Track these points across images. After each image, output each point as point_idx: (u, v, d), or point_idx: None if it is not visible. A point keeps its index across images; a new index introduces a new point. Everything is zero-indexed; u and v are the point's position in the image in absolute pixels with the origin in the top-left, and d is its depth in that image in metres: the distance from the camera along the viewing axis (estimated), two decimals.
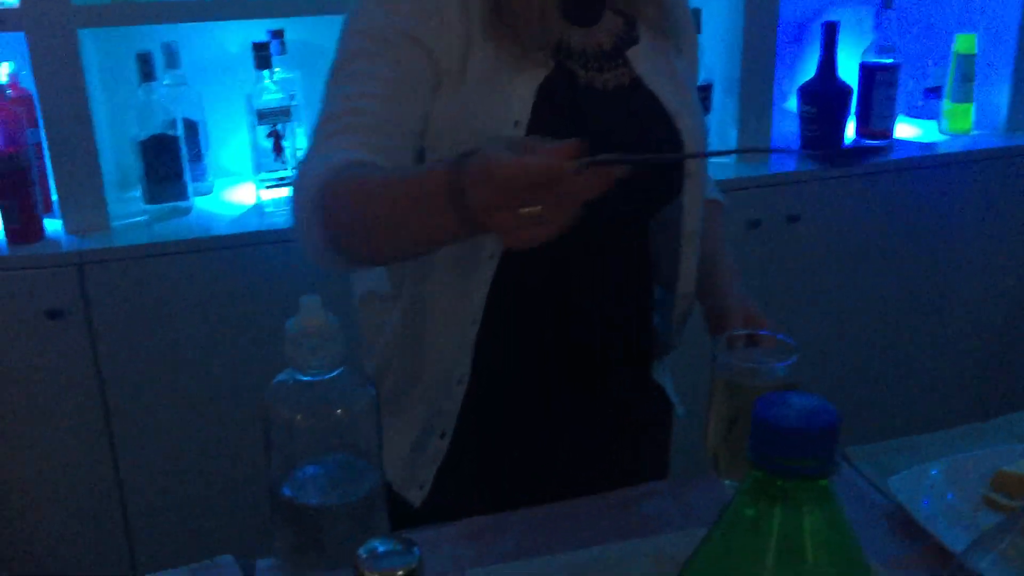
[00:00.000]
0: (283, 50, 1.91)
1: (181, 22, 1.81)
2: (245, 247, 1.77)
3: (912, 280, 2.21)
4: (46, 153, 1.76)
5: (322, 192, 0.85)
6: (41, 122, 1.73)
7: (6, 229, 1.73)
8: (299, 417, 0.65)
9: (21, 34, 1.67)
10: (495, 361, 1.02)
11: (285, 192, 1.85)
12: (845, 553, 0.44)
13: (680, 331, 1.11)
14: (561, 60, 0.97)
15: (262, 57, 1.78)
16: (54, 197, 1.81)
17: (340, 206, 0.85)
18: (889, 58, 2.17)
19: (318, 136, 0.93)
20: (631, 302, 1.06)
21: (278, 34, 1.90)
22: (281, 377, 0.67)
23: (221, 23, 1.95)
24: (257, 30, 1.93)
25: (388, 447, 1.04)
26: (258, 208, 1.87)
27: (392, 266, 1.04)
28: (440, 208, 0.74)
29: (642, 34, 1.03)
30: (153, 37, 1.88)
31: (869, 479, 0.98)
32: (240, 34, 1.97)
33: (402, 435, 1.06)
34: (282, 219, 1.83)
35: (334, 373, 0.65)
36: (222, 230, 1.79)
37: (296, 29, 1.99)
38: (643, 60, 1.02)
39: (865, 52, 2.19)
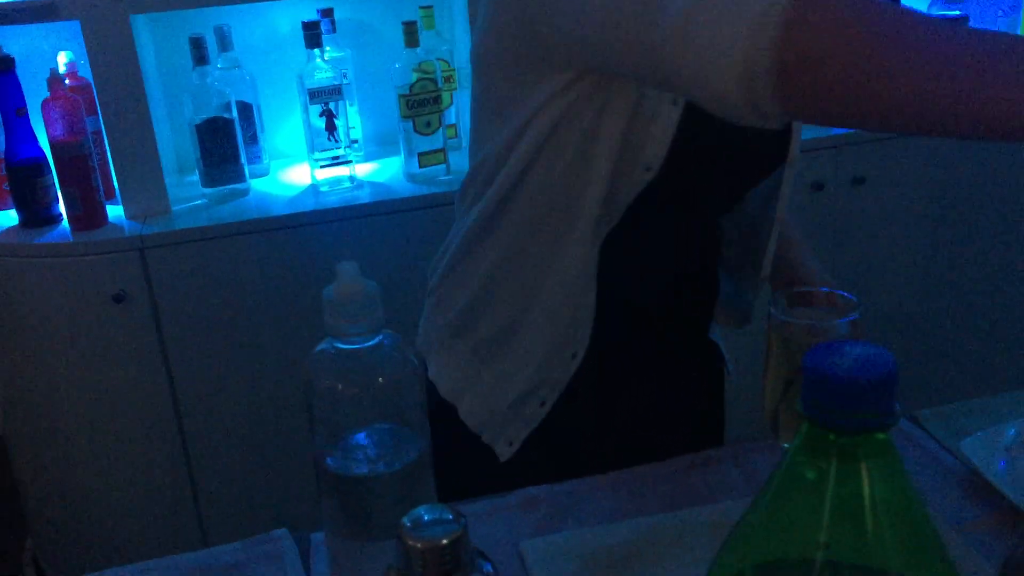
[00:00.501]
0: (333, 29, 1.91)
1: (232, 4, 1.82)
2: (301, 227, 1.78)
3: (981, 240, 2.12)
4: (105, 140, 1.79)
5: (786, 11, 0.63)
6: (99, 110, 1.76)
7: (69, 216, 1.76)
8: (340, 386, 0.64)
9: (77, 23, 1.69)
10: (609, 336, 1.00)
11: (339, 171, 1.86)
12: (908, 512, 0.41)
13: (753, 307, 1.10)
14: None
15: (312, 36, 1.78)
16: (115, 183, 1.84)
17: (838, 16, 0.62)
18: (956, 10, 2.08)
19: None
20: (706, 264, 1.06)
21: (328, 13, 1.90)
22: (322, 346, 0.66)
23: (271, 4, 1.96)
24: (307, 9, 1.93)
25: (480, 399, 1.04)
26: (313, 187, 1.88)
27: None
28: None
29: None
30: (205, 21, 1.90)
31: (941, 442, 0.94)
32: (290, 14, 1.98)
33: (499, 390, 1.03)
34: (337, 197, 1.83)
35: (374, 341, 0.63)
36: (279, 211, 1.80)
37: (345, 8, 1.99)
38: None
39: (931, 4, 2.11)
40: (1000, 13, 2.23)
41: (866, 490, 0.40)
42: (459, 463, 1.09)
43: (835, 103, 0.64)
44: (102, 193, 1.79)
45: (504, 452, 1.05)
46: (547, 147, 0.90)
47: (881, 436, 0.40)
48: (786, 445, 0.80)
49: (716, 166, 0.94)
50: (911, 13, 0.64)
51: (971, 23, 2.10)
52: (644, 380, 1.06)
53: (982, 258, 2.14)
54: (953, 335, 2.16)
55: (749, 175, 1.01)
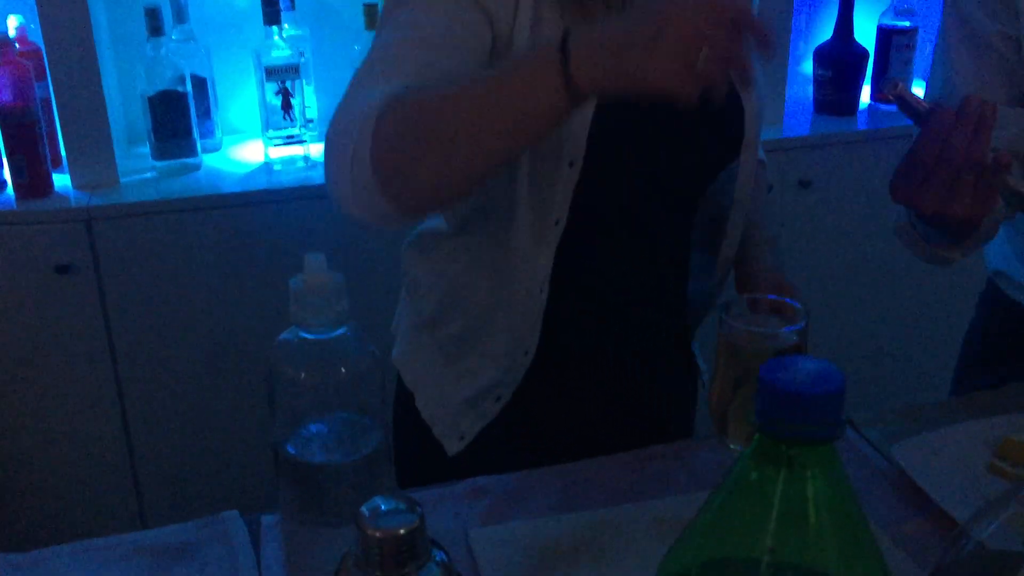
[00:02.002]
0: (292, 6, 1.89)
1: None
2: (253, 205, 1.77)
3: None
4: (54, 108, 1.75)
5: (375, 122, 0.77)
6: (49, 76, 1.72)
7: (15, 184, 1.73)
8: (303, 375, 0.65)
9: None
10: (560, 333, 1.03)
11: (293, 150, 1.85)
12: (848, 518, 0.44)
13: (718, 295, 1.12)
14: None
15: (271, 13, 1.76)
16: (63, 152, 1.80)
17: (407, 125, 0.77)
18: (907, 21, 2.13)
19: (358, 79, 0.86)
20: (672, 266, 1.07)
21: None
22: (285, 335, 0.66)
23: None
24: None
25: (438, 392, 1.07)
26: (267, 166, 1.87)
27: (450, 207, 0.99)
28: (546, 79, 0.71)
29: None
30: None
31: (875, 445, 0.98)
32: None
33: (455, 388, 1.07)
34: (290, 177, 1.82)
35: (338, 332, 0.65)
36: (230, 188, 1.78)
37: None
38: None
39: (883, 15, 2.16)
40: None
41: (812, 496, 0.43)
42: (414, 448, 1.11)
43: (432, 187, 0.79)
44: (49, 161, 1.76)
45: (453, 447, 1.07)
46: None
47: (827, 447, 0.43)
48: (732, 446, 0.83)
49: (647, 157, 0.96)
50: (439, 95, 0.78)
51: (921, 35, 2.16)
52: (598, 377, 1.08)
53: (921, 265, 2.20)
54: (890, 340, 2.23)
55: (696, 167, 1.01)
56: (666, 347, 1.12)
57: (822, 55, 2.12)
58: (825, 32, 2.20)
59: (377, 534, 0.56)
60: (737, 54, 0.68)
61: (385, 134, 0.76)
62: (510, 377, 1.03)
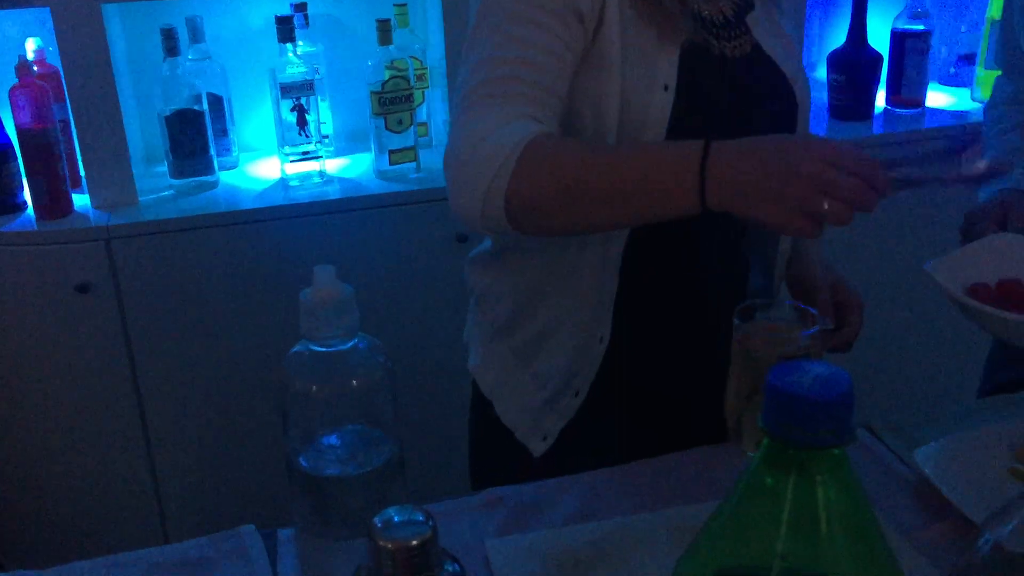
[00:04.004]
0: (307, 23, 1.91)
1: None
2: (270, 221, 1.78)
3: (944, 250, 2.16)
4: (73, 129, 1.77)
5: (515, 165, 0.84)
6: (68, 98, 1.74)
7: (35, 205, 1.75)
8: (314, 388, 0.65)
9: (47, 10, 1.68)
10: (633, 320, 1.05)
11: (309, 166, 1.86)
12: (860, 523, 0.43)
13: (776, 286, 1.15)
14: (696, 28, 0.98)
15: (285, 30, 1.78)
16: (82, 172, 1.82)
17: (546, 179, 0.85)
18: (921, 24, 2.12)
19: (476, 95, 0.90)
20: (735, 256, 1.09)
21: (301, 7, 1.90)
22: (297, 348, 0.67)
23: None
24: (280, 3, 1.93)
25: (517, 398, 1.10)
26: (283, 182, 1.88)
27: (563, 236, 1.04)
28: (681, 195, 0.80)
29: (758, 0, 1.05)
30: (177, 12, 1.89)
31: (895, 451, 0.97)
32: (263, 8, 1.97)
33: (534, 388, 1.09)
34: (306, 193, 1.83)
35: (349, 344, 0.65)
36: (247, 204, 1.79)
37: (319, 2, 1.99)
38: (760, 26, 1.03)
39: (896, 18, 2.15)
40: (963, 29, 2.29)
41: (821, 502, 0.42)
42: (497, 455, 1.13)
43: (556, 229, 0.91)
44: (68, 182, 1.78)
45: (538, 448, 1.09)
46: None
47: (837, 451, 0.42)
48: (748, 452, 0.82)
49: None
50: (584, 161, 0.86)
51: (935, 39, 2.15)
52: (674, 362, 1.08)
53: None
54: (911, 345, 2.21)
55: None
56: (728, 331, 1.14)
57: (836, 60, 2.11)
58: (839, 37, 2.19)
59: (389, 545, 0.56)
60: (861, 202, 0.77)
61: (523, 180, 0.85)
62: (587, 369, 1.05)
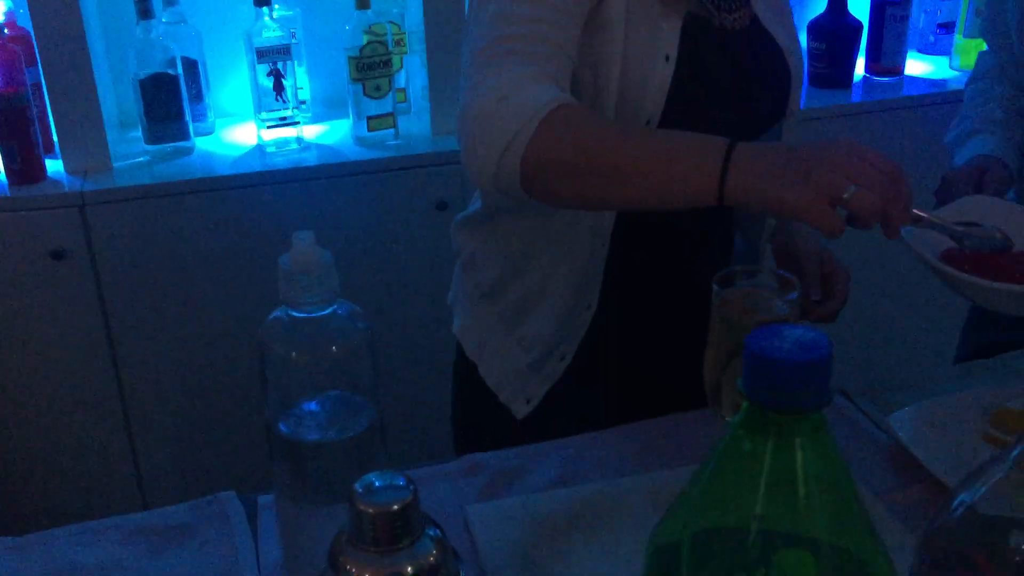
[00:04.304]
0: None
1: None
2: (247, 187, 1.76)
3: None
4: (45, 93, 1.75)
5: (537, 127, 0.83)
6: (40, 61, 1.71)
7: (7, 170, 1.72)
8: (294, 354, 0.65)
9: None
10: (621, 288, 1.05)
11: (286, 132, 1.84)
12: (837, 486, 0.44)
13: (763, 249, 1.16)
14: None
15: None
16: (55, 138, 1.79)
17: (566, 149, 0.84)
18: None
19: (492, 51, 0.88)
20: (721, 218, 1.10)
21: None
22: (276, 314, 0.66)
23: None
24: None
25: (501, 360, 1.10)
26: (259, 148, 1.86)
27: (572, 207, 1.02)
28: (702, 181, 0.78)
29: None
30: None
31: (871, 416, 0.98)
32: None
33: (520, 351, 1.09)
34: (284, 159, 1.82)
35: (328, 310, 0.64)
36: (223, 170, 1.78)
37: None
38: (760, 1, 1.04)
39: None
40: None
41: (800, 465, 0.43)
42: (480, 417, 1.14)
43: (565, 199, 0.89)
44: (41, 147, 1.75)
45: (521, 411, 1.10)
46: None
47: (815, 415, 0.43)
48: (726, 417, 0.83)
49: (713, 118, 0.97)
50: (606, 137, 0.85)
51: (914, 7, 2.15)
52: (661, 330, 1.09)
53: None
54: (889, 313, 2.23)
55: (750, 126, 1.04)
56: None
57: (816, 28, 2.11)
58: (819, 5, 2.18)
59: (370, 510, 0.56)
60: (890, 198, 0.75)
61: (543, 145, 0.83)
62: (573, 334, 1.06)
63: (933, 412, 0.95)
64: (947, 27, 2.28)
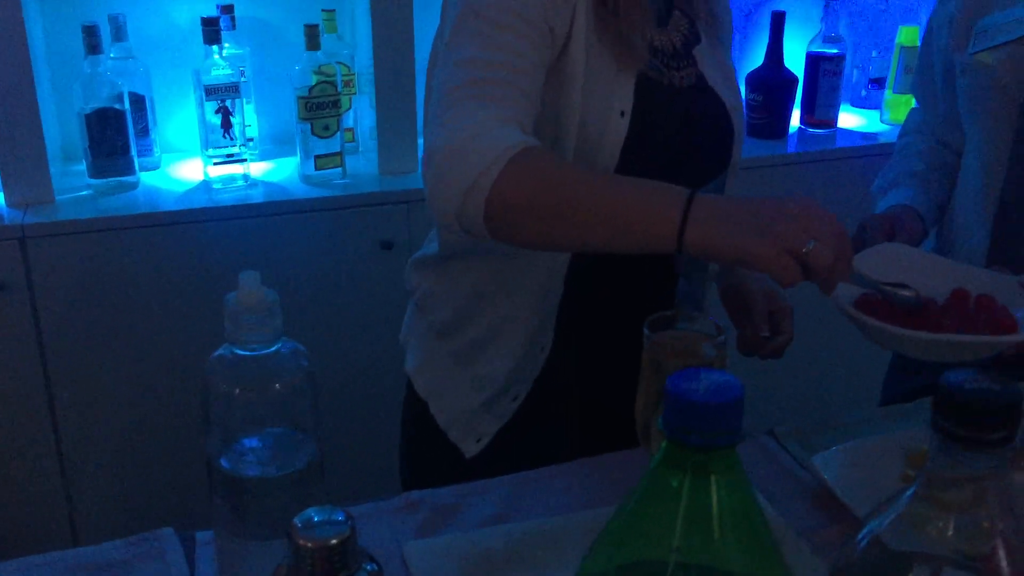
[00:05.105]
0: (233, 25, 1.91)
1: None
2: (191, 223, 1.76)
3: None
4: None
5: (503, 167, 0.85)
6: None
7: None
8: (237, 391, 0.66)
9: None
10: (574, 331, 1.08)
11: (233, 168, 1.85)
12: (749, 519, 0.47)
13: (702, 295, 1.20)
14: (650, 58, 1.02)
15: (211, 32, 1.77)
16: None
17: (532, 190, 0.85)
18: (835, 48, 2.21)
19: (461, 93, 0.90)
20: (664, 270, 1.13)
21: (228, 9, 1.89)
22: (220, 351, 0.68)
23: None
24: (207, 5, 1.91)
25: (454, 399, 1.11)
26: (205, 184, 1.87)
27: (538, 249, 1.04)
28: (662, 228, 0.81)
29: (702, 32, 1.10)
30: (99, 9, 1.86)
31: (795, 456, 1.02)
32: (189, 8, 1.96)
33: (473, 390, 1.11)
34: (230, 195, 1.82)
35: (272, 348, 0.66)
36: (168, 206, 1.78)
37: (246, 4, 1.98)
38: (705, 58, 1.09)
39: (811, 42, 2.24)
40: (874, 54, 2.39)
41: (715, 500, 0.46)
42: (429, 455, 1.15)
43: (526, 239, 0.90)
44: None
45: (471, 449, 1.11)
46: None
47: (729, 452, 0.46)
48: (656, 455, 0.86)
49: (662, 170, 1.01)
50: (569, 180, 0.87)
51: (847, 63, 2.24)
52: (609, 366, 1.11)
53: None
54: (814, 356, 2.29)
55: (695, 178, 1.07)
56: None
57: (754, 80, 2.19)
58: (756, 58, 2.27)
59: (309, 544, 0.57)
60: (839, 256, 0.79)
61: (509, 185, 0.85)
62: (526, 375, 1.08)
63: (855, 454, 0.99)
64: (879, 82, 2.38)
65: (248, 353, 0.66)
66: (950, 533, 0.49)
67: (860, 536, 0.51)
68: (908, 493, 0.50)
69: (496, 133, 0.87)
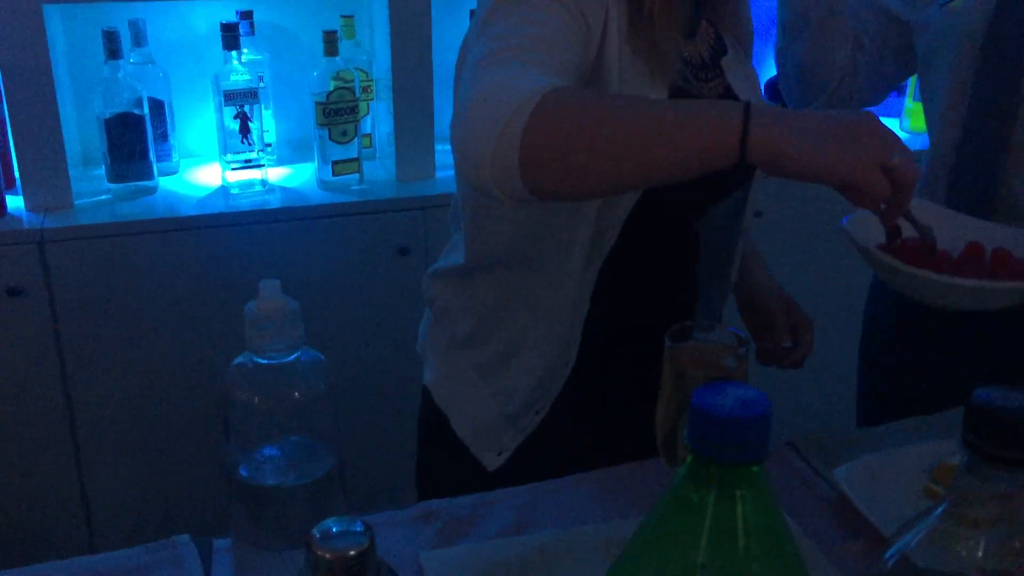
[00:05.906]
0: (252, 31, 1.91)
1: (148, 0, 1.80)
2: (209, 228, 1.77)
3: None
4: (8, 128, 1.75)
5: (536, 105, 0.77)
6: (4, 97, 1.72)
7: None
8: (257, 399, 0.66)
9: None
10: (599, 346, 1.06)
11: (251, 174, 1.86)
12: (774, 536, 0.46)
13: (721, 307, 1.18)
14: (682, 69, 1.00)
15: (230, 38, 1.78)
16: (16, 173, 1.79)
17: (570, 121, 0.78)
18: None
19: (493, 58, 0.84)
20: (687, 284, 1.12)
21: (247, 15, 1.90)
22: (240, 360, 0.68)
23: (189, 2, 1.94)
24: (226, 10, 1.92)
25: (477, 412, 1.10)
26: (224, 189, 1.87)
27: (574, 202, 0.98)
28: (725, 136, 0.74)
29: (728, 43, 1.09)
30: (120, 15, 1.87)
31: (817, 468, 1.00)
32: (209, 14, 1.96)
33: (495, 403, 1.09)
34: (248, 201, 1.83)
35: (292, 357, 0.66)
36: (187, 211, 1.78)
37: (265, 10, 1.99)
38: (732, 69, 1.08)
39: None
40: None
41: (740, 516, 0.45)
42: (449, 467, 1.14)
43: (565, 189, 0.82)
44: (2, 183, 1.75)
45: (492, 462, 1.09)
46: None
47: (755, 468, 0.45)
48: (677, 468, 0.85)
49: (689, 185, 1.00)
50: (612, 105, 0.81)
51: None
52: (633, 379, 1.10)
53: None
54: (839, 366, 2.27)
55: (722, 186, 1.08)
56: None
57: (772, 88, 2.17)
58: (773, 66, 2.25)
59: (327, 555, 0.57)
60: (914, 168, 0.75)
61: (544, 121, 0.77)
62: (550, 390, 1.06)
63: (876, 466, 0.98)
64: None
65: (268, 362, 0.66)
66: (980, 552, 0.48)
67: (888, 554, 0.50)
68: (938, 511, 0.49)
69: (526, 81, 0.80)
